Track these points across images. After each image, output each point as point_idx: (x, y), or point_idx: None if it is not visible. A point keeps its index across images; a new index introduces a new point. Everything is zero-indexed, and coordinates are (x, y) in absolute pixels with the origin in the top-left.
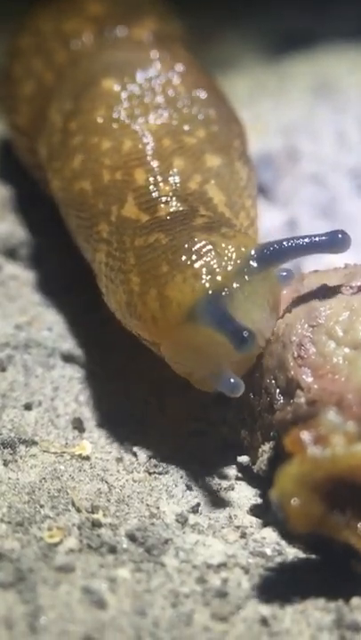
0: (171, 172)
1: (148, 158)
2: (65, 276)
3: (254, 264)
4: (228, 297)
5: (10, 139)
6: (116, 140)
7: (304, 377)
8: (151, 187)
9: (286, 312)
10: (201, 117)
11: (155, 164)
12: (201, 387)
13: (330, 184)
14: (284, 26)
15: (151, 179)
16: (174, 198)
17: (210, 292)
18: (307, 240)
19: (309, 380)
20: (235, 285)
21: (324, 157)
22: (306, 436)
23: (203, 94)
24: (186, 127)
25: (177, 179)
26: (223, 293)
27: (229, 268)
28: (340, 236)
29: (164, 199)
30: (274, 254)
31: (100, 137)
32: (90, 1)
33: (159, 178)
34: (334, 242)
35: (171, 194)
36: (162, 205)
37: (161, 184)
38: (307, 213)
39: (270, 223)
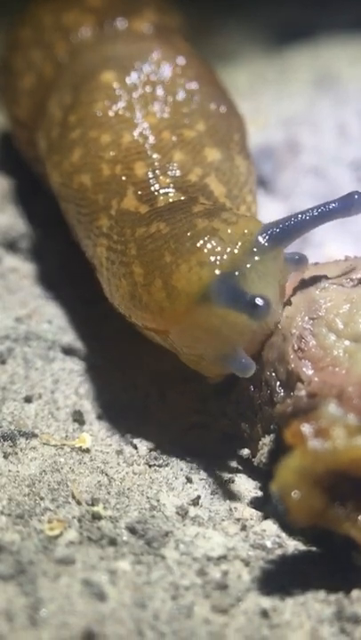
0: (171, 166)
1: (148, 152)
2: (65, 268)
3: (265, 243)
4: (241, 276)
5: (10, 131)
6: (116, 134)
7: (304, 369)
8: (151, 180)
9: (286, 304)
10: (201, 111)
11: (155, 157)
12: (209, 373)
13: (330, 176)
14: (285, 17)
15: (151, 172)
16: (174, 190)
17: (219, 272)
18: (318, 210)
19: (310, 372)
20: (247, 265)
21: (324, 150)
22: (306, 428)
23: (203, 87)
24: (186, 120)
25: (177, 172)
26: (236, 272)
27: (236, 251)
28: (356, 196)
29: (163, 191)
30: (284, 231)
31: (100, 130)
32: None
33: (159, 171)
34: (350, 203)
35: (171, 186)
36: (161, 197)
37: (161, 177)
38: (307, 206)
39: (270, 215)
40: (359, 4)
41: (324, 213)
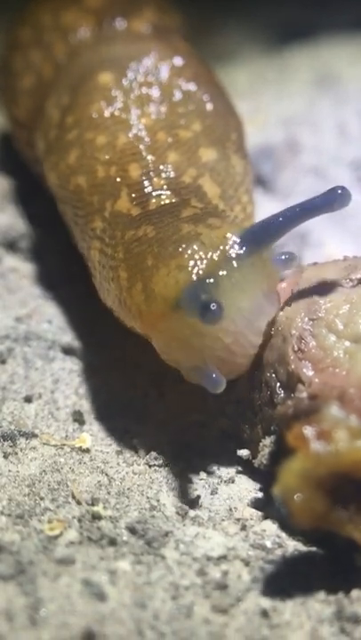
0: (165, 167)
1: (143, 153)
2: (65, 268)
3: (241, 249)
4: (213, 285)
5: (10, 131)
6: (112, 135)
7: (305, 371)
8: (145, 182)
9: (286, 305)
10: (197, 111)
11: (149, 159)
12: (190, 379)
13: (330, 176)
14: (285, 17)
15: (145, 174)
16: (167, 192)
17: (193, 280)
18: (300, 208)
19: (310, 373)
20: (221, 273)
21: (324, 149)
22: (309, 431)
23: (200, 87)
24: (182, 121)
25: (171, 173)
26: (208, 281)
27: (215, 257)
28: (339, 191)
29: (156, 193)
30: (259, 233)
31: (96, 132)
32: None
33: (153, 173)
34: (333, 199)
35: (165, 187)
36: (153, 200)
37: (155, 179)
38: None
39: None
40: (359, 4)
41: (306, 211)
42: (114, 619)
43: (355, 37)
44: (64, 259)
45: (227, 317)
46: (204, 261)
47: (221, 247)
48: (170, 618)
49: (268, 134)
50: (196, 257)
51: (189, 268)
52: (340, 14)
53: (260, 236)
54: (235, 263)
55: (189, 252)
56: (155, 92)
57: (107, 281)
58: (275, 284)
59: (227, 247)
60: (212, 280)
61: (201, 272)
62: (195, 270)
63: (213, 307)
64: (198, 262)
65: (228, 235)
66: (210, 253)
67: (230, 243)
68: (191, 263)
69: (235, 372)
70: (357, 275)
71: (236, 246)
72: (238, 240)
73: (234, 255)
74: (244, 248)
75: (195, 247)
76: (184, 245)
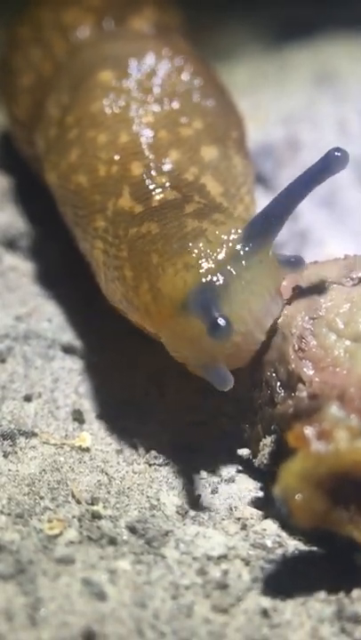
0: (167, 165)
1: (145, 152)
2: (65, 267)
3: (248, 245)
4: (223, 286)
5: (10, 129)
6: (113, 134)
7: (305, 370)
8: (147, 180)
9: (286, 304)
10: (198, 109)
11: (151, 157)
12: (198, 374)
13: None
14: (285, 15)
15: (147, 172)
16: (169, 189)
17: (202, 281)
18: (298, 181)
19: (310, 372)
20: (232, 272)
21: (324, 147)
22: (309, 431)
23: (201, 85)
24: (183, 119)
25: (173, 171)
26: (217, 282)
27: (221, 256)
28: (336, 153)
29: (158, 190)
30: (262, 224)
31: (97, 130)
32: None
33: (155, 171)
34: (330, 161)
35: (166, 185)
36: (156, 197)
37: (157, 177)
38: (307, 203)
39: None
40: (359, 2)
41: (303, 184)
42: (114, 618)
43: (355, 35)
44: (64, 257)
45: (238, 320)
46: (211, 260)
47: (227, 245)
48: (170, 617)
49: (268, 132)
50: (203, 255)
51: (197, 268)
52: (341, 11)
53: (264, 227)
54: (243, 262)
55: (196, 250)
56: (155, 91)
57: (112, 281)
58: (280, 283)
59: (233, 244)
60: (220, 282)
61: (209, 271)
62: (202, 270)
63: (222, 322)
64: (205, 261)
65: (233, 232)
66: (216, 251)
67: (236, 239)
68: (198, 262)
69: (236, 365)
70: (358, 273)
71: (242, 243)
72: (243, 236)
73: (241, 253)
74: (250, 244)
75: (200, 245)
76: (190, 244)
